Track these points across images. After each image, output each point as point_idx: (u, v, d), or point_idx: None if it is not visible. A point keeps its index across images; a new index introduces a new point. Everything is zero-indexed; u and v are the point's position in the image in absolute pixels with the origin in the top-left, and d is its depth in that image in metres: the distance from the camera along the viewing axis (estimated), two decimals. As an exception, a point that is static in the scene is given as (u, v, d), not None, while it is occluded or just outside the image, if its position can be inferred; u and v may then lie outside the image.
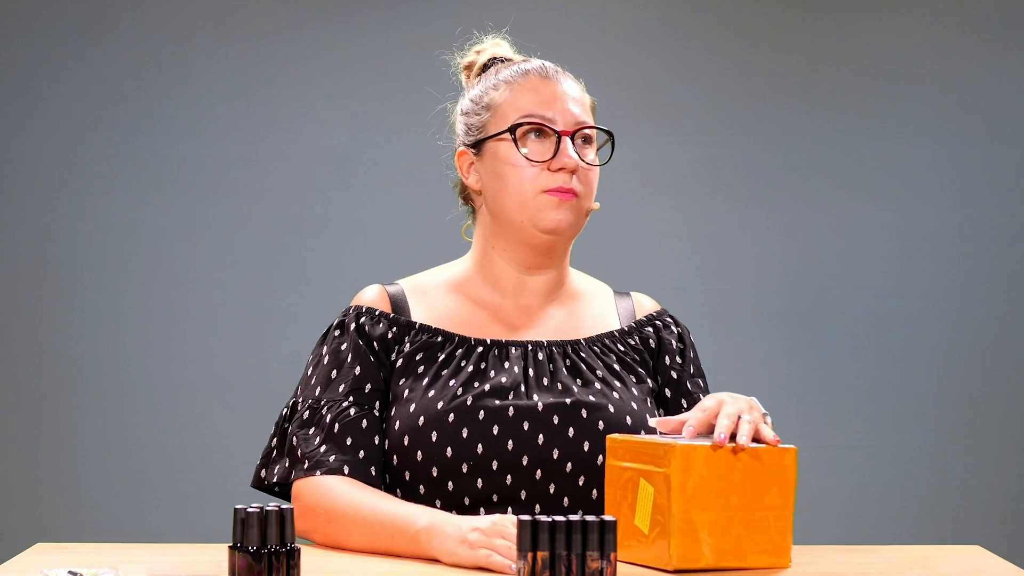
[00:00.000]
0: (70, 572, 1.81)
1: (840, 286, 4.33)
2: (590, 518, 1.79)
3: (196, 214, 4.26)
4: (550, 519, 1.78)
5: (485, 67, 2.41)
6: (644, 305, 2.43)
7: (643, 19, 4.31)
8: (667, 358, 2.37)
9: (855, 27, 4.32)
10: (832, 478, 4.28)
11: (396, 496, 2.24)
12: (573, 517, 1.79)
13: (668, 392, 2.37)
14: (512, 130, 2.28)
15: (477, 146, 2.33)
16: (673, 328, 2.41)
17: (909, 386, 4.32)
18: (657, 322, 2.40)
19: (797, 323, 4.31)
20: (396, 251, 4.23)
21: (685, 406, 2.35)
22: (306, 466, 2.23)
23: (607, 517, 1.80)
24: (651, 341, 2.38)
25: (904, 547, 2.26)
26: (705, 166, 4.31)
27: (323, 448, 2.23)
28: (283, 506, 1.81)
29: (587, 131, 2.30)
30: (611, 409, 2.24)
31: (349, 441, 2.24)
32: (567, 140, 2.26)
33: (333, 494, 2.20)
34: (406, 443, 2.23)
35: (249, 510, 1.79)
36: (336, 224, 4.27)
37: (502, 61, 2.40)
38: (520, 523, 1.79)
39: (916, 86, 4.31)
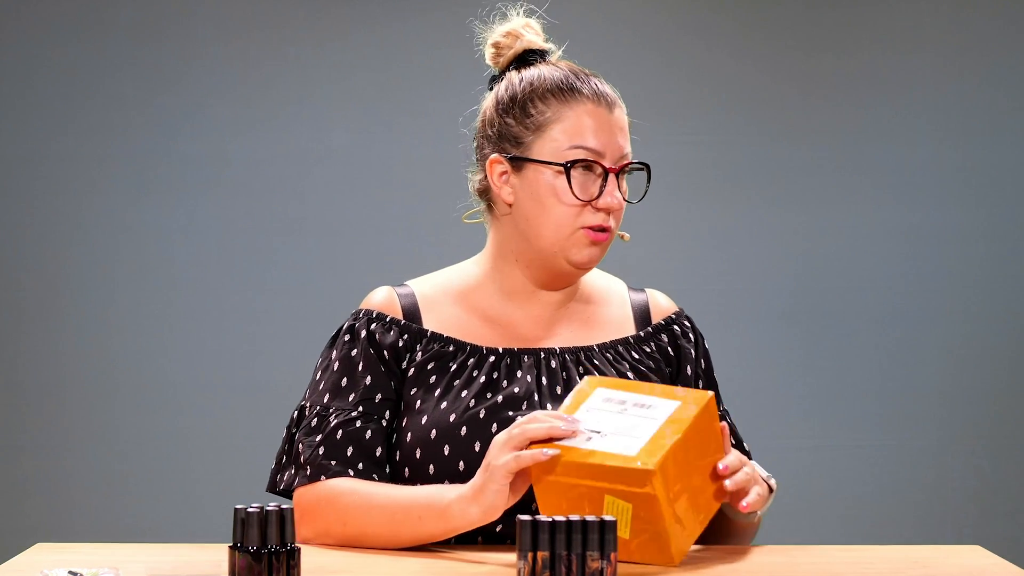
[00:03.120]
0: (70, 572, 1.81)
1: (841, 287, 4.33)
2: (590, 518, 1.79)
3: (194, 213, 4.26)
4: (550, 519, 1.78)
5: (521, 58, 2.33)
6: (661, 305, 2.38)
7: (646, 18, 4.31)
8: (688, 368, 2.34)
9: (861, 26, 4.31)
10: (832, 478, 4.28)
11: None
12: (573, 517, 1.79)
13: None
14: (567, 167, 2.22)
15: (516, 161, 2.26)
16: (691, 336, 2.36)
17: (910, 386, 4.32)
18: (675, 327, 2.36)
19: (798, 323, 4.31)
20: (396, 251, 4.23)
21: None
22: (308, 472, 2.22)
23: (607, 517, 1.80)
24: (669, 350, 2.34)
25: (904, 547, 2.25)
26: (709, 166, 4.30)
27: (324, 454, 2.22)
28: (283, 506, 1.81)
29: (630, 160, 2.26)
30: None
31: (351, 451, 2.22)
32: (612, 178, 2.23)
33: (344, 494, 2.19)
34: (418, 456, 2.22)
35: (249, 510, 1.79)
36: (336, 224, 4.27)
37: (540, 55, 2.33)
38: (520, 523, 1.79)
39: (923, 85, 4.31)
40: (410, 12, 4.28)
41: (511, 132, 2.27)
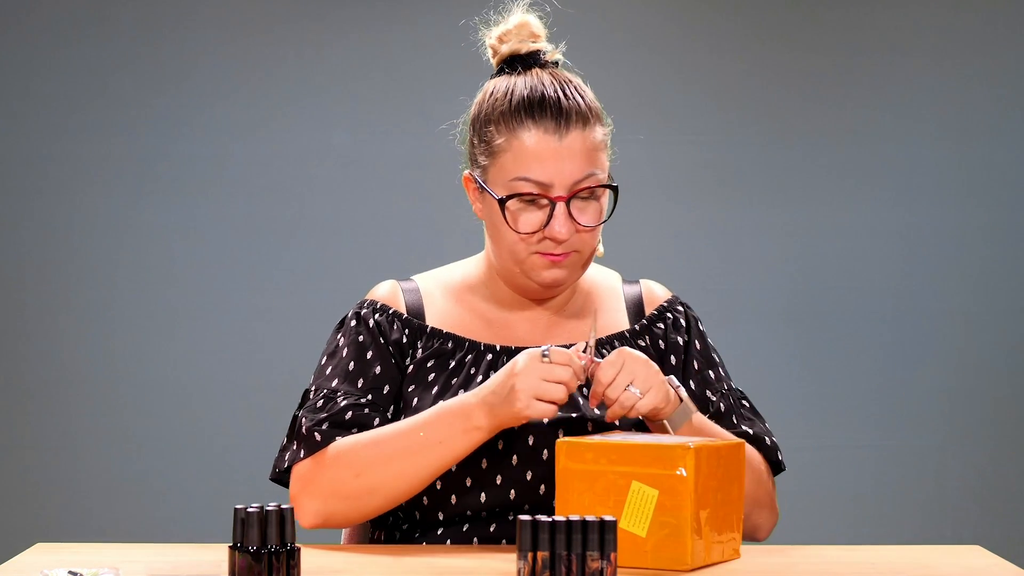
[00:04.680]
0: (70, 572, 1.81)
1: (841, 286, 4.33)
2: (590, 518, 1.79)
3: (194, 213, 4.26)
4: (550, 519, 1.78)
5: (509, 62, 2.28)
6: (655, 294, 2.36)
7: (647, 17, 4.31)
8: (672, 358, 2.33)
9: (861, 26, 4.31)
10: (833, 478, 4.28)
11: (401, 505, 2.23)
12: (573, 517, 1.79)
13: None
14: (502, 202, 2.18)
15: (478, 183, 2.24)
16: (681, 321, 2.34)
17: (910, 386, 4.31)
18: (668, 315, 2.34)
19: (798, 323, 4.31)
20: (396, 251, 4.23)
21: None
22: (319, 438, 2.19)
23: (607, 517, 1.80)
24: (660, 343, 2.32)
25: (904, 547, 2.25)
26: (708, 166, 4.30)
27: (331, 428, 2.20)
28: (283, 506, 1.81)
29: (589, 184, 2.19)
30: (616, 423, 2.21)
31: (356, 432, 2.21)
32: (561, 207, 2.17)
33: (351, 447, 2.17)
34: None
35: (249, 510, 1.79)
36: (336, 224, 4.27)
37: (526, 60, 2.27)
38: (520, 523, 1.79)
39: (923, 85, 4.31)
40: (410, 12, 4.28)
41: (475, 152, 2.25)
